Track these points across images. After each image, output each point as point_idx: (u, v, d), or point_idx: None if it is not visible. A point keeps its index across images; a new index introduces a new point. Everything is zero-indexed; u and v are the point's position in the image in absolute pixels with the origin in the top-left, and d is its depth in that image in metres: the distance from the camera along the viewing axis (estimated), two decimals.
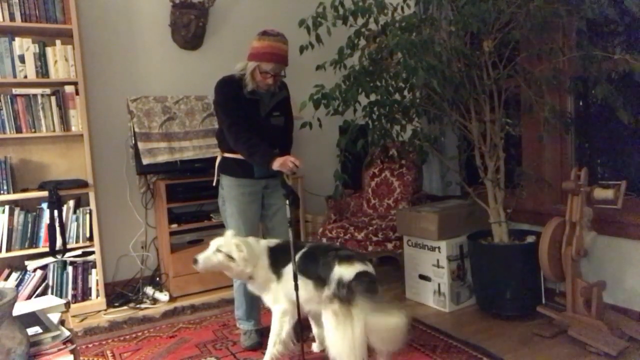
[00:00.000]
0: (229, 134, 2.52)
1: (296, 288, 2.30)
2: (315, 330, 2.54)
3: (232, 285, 2.75)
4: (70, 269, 3.31)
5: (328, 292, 2.08)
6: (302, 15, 2.80)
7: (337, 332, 2.00)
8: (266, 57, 2.43)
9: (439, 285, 3.05)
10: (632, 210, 2.64)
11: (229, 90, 2.53)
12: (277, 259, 2.36)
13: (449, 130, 3.28)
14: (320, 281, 2.15)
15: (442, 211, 3.05)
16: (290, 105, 2.73)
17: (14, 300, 1.34)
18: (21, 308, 1.77)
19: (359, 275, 2.05)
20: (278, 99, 2.62)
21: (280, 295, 2.34)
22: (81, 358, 2.61)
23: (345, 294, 2.01)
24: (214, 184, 2.72)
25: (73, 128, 3.35)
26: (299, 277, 2.23)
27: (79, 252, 3.34)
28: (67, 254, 3.29)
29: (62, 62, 3.29)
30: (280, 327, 2.34)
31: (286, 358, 2.52)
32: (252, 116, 2.54)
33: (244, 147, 2.48)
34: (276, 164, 2.39)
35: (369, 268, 2.12)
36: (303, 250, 2.31)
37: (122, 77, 3.69)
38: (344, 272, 2.06)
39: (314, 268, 2.20)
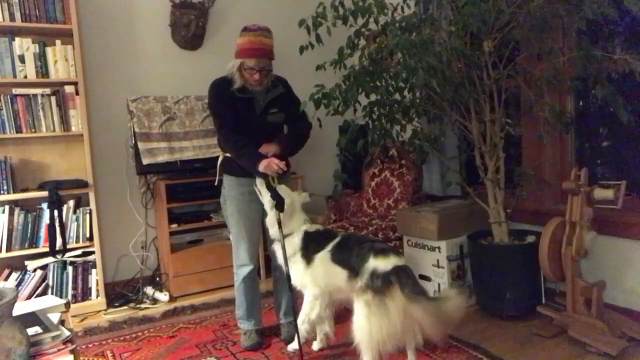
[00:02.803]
0: (219, 135, 2.54)
1: (290, 289, 2.38)
2: (317, 327, 2.55)
3: (232, 285, 2.75)
4: (70, 269, 3.31)
5: (361, 282, 2.13)
6: (302, 15, 2.80)
7: (368, 322, 2.05)
8: (248, 52, 2.43)
9: (439, 285, 3.05)
10: (632, 210, 2.64)
11: (221, 92, 2.53)
12: (309, 244, 2.40)
13: (449, 130, 3.28)
14: (353, 271, 2.19)
15: (442, 211, 3.04)
16: (292, 101, 2.68)
17: (14, 300, 1.34)
18: (21, 308, 1.77)
19: (397, 270, 2.09)
20: (273, 95, 2.59)
21: (308, 280, 2.38)
22: (81, 358, 2.61)
23: (380, 286, 2.05)
24: (216, 183, 2.72)
25: (73, 128, 3.35)
26: (332, 264, 2.28)
27: (79, 252, 3.34)
28: (67, 254, 3.29)
29: (62, 62, 3.29)
30: (310, 308, 2.39)
31: (286, 358, 2.53)
32: (246, 115, 2.53)
33: (232, 149, 2.49)
34: (261, 167, 2.39)
35: (404, 262, 2.17)
36: (336, 239, 2.35)
37: (122, 77, 3.69)
38: (379, 264, 2.10)
39: (347, 258, 2.24)
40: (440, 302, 2.04)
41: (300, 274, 2.39)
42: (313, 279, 2.37)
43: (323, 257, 2.33)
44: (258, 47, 2.43)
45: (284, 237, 2.41)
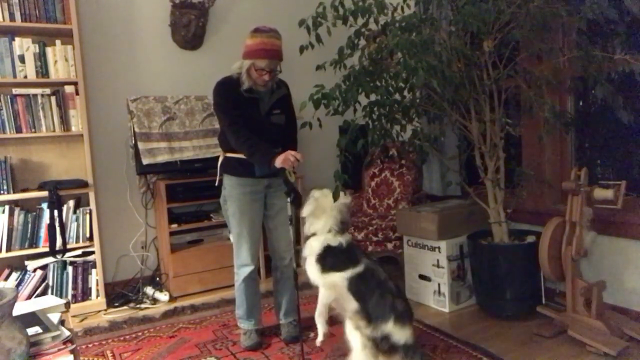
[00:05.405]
0: (229, 133, 2.52)
1: (296, 287, 2.34)
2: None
3: (232, 285, 2.75)
4: (70, 269, 3.31)
5: (369, 332, 2.08)
6: (302, 15, 2.79)
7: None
8: (260, 53, 2.43)
9: (439, 285, 3.05)
10: (632, 210, 2.64)
11: (227, 91, 2.54)
12: (327, 257, 2.26)
13: (449, 130, 3.28)
14: (366, 313, 2.12)
15: (442, 211, 3.05)
16: (291, 104, 2.73)
17: (14, 300, 1.34)
18: (21, 308, 1.77)
19: (406, 348, 2.06)
20: (277, 96, 2.62)
21: (321, 284, 2.27)
22: (81, 358, 2.61)
23: (386, 350, 2.04)
24: (217, 183, 2.72)
25: (73, 128, 3.35)
26: (346, 292, 2.17)
27: (79, 252, 3.34)
28: (67, 254, 3.29)
29: (62, 62, 3.29)
30: (323, 298, 2.27)
31: (286, 358, 2.53)
32: (251, 115, 2.54)
33: (244, 145, 2.48)
34: (278, 161, 2.38)
35: (414, 339, 2.13)
36: (357, 269, 2.20)
37: (122, 77, 3.69)
38: (395, 332, 2.06)
39: (365, 297, 2.14)
40: None
41: (314, 274, 2.29)
42: (325, 285, 2.28)
43: (338, 280, 2.20)
44: (270, 48, 2.44)
45: (310, 236, 2.32)
